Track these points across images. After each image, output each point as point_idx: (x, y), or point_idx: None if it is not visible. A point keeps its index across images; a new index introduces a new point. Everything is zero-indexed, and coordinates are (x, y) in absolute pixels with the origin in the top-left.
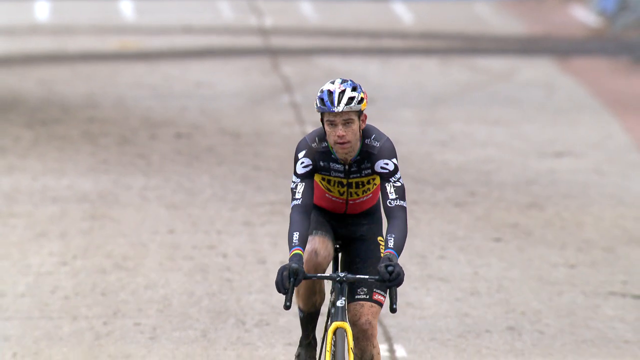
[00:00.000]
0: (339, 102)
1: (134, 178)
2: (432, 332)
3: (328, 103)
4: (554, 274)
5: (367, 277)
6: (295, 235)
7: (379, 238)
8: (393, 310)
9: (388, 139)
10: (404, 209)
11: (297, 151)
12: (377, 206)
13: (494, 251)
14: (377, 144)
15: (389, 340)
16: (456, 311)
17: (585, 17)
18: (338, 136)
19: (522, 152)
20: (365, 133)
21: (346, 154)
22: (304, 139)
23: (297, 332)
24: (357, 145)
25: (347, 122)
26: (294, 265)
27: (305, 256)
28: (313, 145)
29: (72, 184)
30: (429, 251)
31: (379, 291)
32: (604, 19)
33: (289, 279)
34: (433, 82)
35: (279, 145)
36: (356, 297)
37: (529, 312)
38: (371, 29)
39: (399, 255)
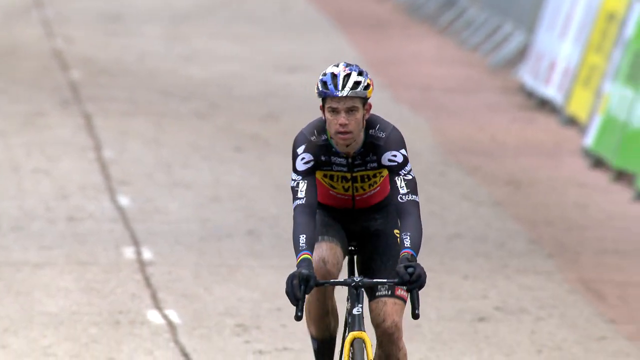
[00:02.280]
0: (343, 86)
1: None
2: (176, 236)
3: (331, 87)
4: (290, 182)
5: (384, 280)
6: (302, 239)
7: (395, 231)
8: (416, 316)
9: (395, 128)
10: (416, 204)
11: (295, 146)
12: (388, 199)
13: (235, 160)
14: (382, 135)
15: (136, 244)
16: (199, 216)
17: None
18: (340, 124)
19: (260, 66)
20: (369, 123)
21: (347, 145)
22: (302, 132)
23: (52, 237)
24: (361, 137)
25: (350, 110)
26: (304, 271)
27: (313, 265)
28: (312, 138)
29: None
30: (174, 160)
31: (401, 287)
32: None
33: (300, 287)
34: (178, 0)
35: (31, 59)
36: (377, 294)
37: (267, 217)
38: None
39: (417, 254)
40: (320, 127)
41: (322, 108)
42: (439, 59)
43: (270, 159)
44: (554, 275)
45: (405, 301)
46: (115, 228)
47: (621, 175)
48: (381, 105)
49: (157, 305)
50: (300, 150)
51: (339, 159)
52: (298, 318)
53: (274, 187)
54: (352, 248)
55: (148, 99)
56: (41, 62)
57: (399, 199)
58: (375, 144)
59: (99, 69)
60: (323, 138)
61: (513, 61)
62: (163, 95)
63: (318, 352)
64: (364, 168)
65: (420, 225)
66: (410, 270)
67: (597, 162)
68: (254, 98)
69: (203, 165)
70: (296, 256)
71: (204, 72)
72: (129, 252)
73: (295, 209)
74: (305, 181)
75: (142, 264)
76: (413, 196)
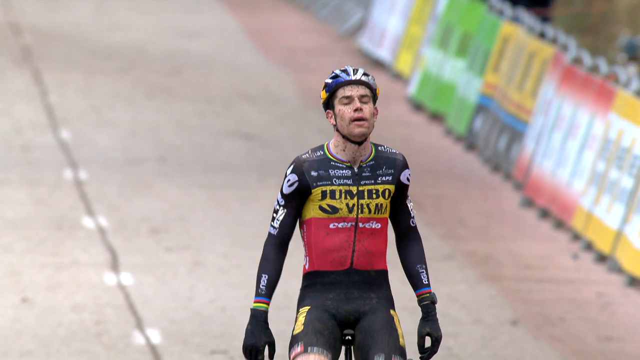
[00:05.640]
0: (355, 73)
1: None
2: (105, 161)
3: (343, 74)
4: (190, 120)
5: None
6: (263, 280)
7: (392, 311)
8: None
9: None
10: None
11: (287, 169)
12: (385, 271)
13: (148, 104)
14: (397, 152)
15: (74, 167)
16: (121, 146)
17: None
18: (355, 109)
19: (165, 33)
20: (375, 143)
21: (361, 143)
22: (297, 155)
23: (9, 162)
24: (369, 146)
25: (363, 99)
26: (253, 343)
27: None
28: (304, 156)
29: None
30: (102, 104)
31: (398, 357)
32: None
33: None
34: None
35: None
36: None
37: (173, 147)
38: None
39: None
40: (316, 147)
41: (331, 110)
42: (300, 29)
43: (175, 104)
44: None
45: None
46: (58, 155)
47: (435, 116)
48: (257, 65)
49: (90, 213)
50: (289, 171)
51: (341, 171)
52: None
53: (178, 124)
54: (348, 338)
55: (81, 58)
56: (0, 31)
57: (410, 223)
58: (391, 158)
59: (44, 35)
60: (318, 154)
61: (355, 31)
62: (92, 55)
63: None
64: (373, 181)
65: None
66: (435, 344)
67: (417, 107)
68: (161, 57)
69: (123, 108)
70: (255, 296)
71: (122, 38)
72: (68, 174)
73: (267, 236)
74: (285, 210)
75: (78, 183)
76: (416, 221)
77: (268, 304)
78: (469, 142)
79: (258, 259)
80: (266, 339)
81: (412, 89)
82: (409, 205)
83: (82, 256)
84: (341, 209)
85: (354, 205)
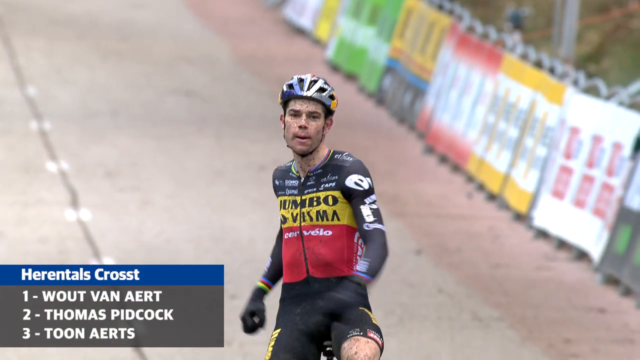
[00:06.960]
0: (309, 88)
1: None
2: (65, 113)
3: (297, 87)
4: (138, 80)
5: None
6: (267, 264)
7: (362, 308)
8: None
9: (360, 160)
10: (383, 233)
11: None
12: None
13: (102, 66)
14: (350, 159)
15: (39, 119)
16: (79, 102)
17: None
18: (300, 127)
19: (116, 5)
20: (336, 150)
21: (304, 155)
22: None
23: None
24: (321, 155)
25: (312, 115)
26: (243, 312)
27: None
28: (278, 166)
29: None
30: (63, 65)
31: (373, 332)
32: None
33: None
34: None
35: None
36: (348, 335)
37: (124, 102)
38: None
39: (373, 277)
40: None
41: (283, 116)
42: (232, 1)
43: (126, 65)
44: None
45: (379, 346)
46: (25, 109)
47: (349, 77)
48: (196, 32)
49: (54, 159)
50: None
51: (292, 181)
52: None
53: (129, 84)
54: (329, 349)
55: (45, 26)
56: None
57: (365, 227)
58: (339, 165)
59: (12, 6)
60: (288, 164)
61: (280, 3)
62: (54, 24)
63: None
64: (315, 189)
65: (385, 252)
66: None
67: (334, 68)
68: (112, 26)
69: (81, 69)
70: None
71: (79, 9)
72: (34, 125)
73: None
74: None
75: (43, 133)
76: (379, 225)
77: (265, 284)
78: (379, 98)
79: (198, 199)
80: (251, 307)
81: (329, 52)
82: (363, 210)
83: (46, 195)
84: (288, 219)
85: (297, 214)
